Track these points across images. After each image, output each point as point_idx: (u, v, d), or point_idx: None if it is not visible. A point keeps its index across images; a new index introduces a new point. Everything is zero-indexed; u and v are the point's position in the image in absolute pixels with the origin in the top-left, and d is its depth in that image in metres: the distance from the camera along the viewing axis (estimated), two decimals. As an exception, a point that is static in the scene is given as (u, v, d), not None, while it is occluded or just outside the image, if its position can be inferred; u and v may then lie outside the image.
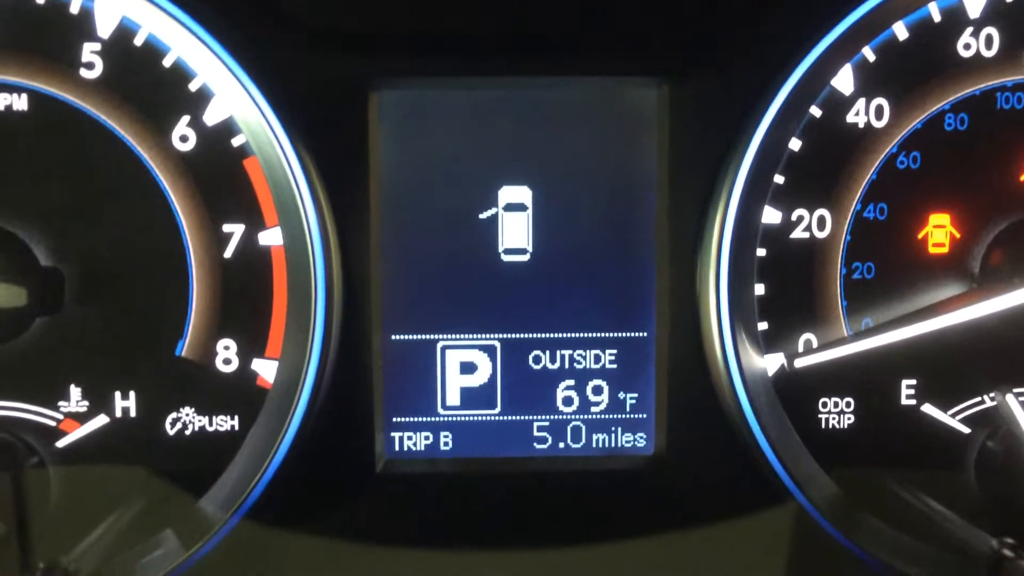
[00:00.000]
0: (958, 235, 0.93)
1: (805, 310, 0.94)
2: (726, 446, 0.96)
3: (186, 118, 0.89)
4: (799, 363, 0.94)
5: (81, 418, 0.91)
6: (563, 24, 0.94)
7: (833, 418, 0.96)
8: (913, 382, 0.95)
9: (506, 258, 0.95)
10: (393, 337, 0.93)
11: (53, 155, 0.91)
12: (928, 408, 0.94)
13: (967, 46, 0.91)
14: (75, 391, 0.90)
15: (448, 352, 0.94)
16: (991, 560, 0.87)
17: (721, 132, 0.92)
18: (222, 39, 0.88)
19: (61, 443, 0.90)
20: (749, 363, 0.93)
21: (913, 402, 0.95)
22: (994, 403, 0.94)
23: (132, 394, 0.92)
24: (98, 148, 0.91)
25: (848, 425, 0.95)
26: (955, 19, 0.92)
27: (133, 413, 0.92)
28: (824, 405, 0.95)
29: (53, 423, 0.91)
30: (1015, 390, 0.94)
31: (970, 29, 0.92)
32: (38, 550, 0.89)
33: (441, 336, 0.94)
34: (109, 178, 0.91)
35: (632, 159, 0.94)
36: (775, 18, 0.91)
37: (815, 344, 0.94)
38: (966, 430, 0.94)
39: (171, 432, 0.91)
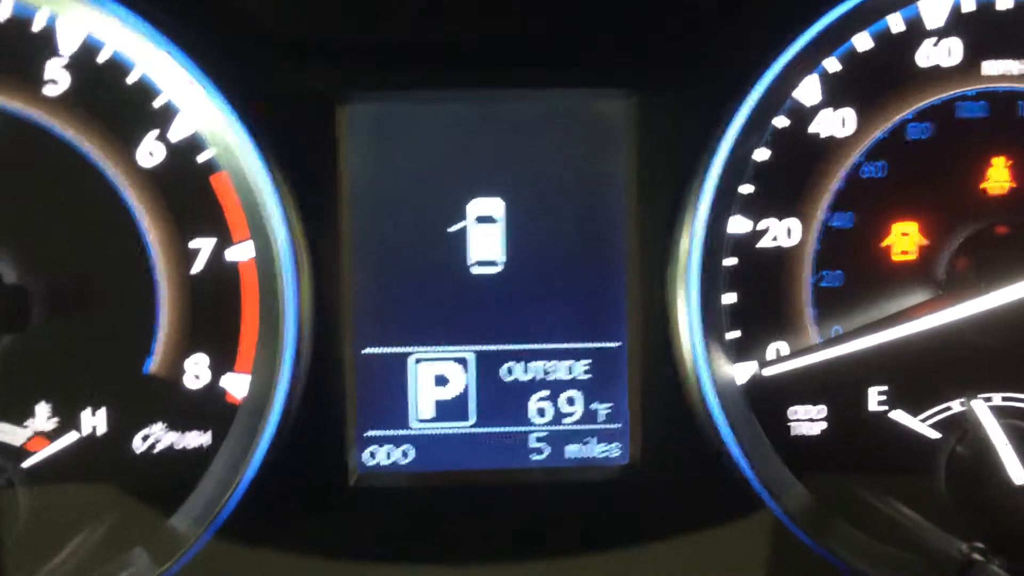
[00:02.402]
0: (924, 242, 0.95)
1: (775, 318, 0.95)
2: (700, 455, 0.97)
3: (152, 134, 0.90)
4: (769, 371, 0.95)
5: (49, 436, 0.91)
6: (530, 37, 0.94)
7: (804, 425, 0.97)
8: (883, 388, 0.96)
9: (477, 270, 0.95)
10: (365, 351, 0.93)
11: (16, 172, 0.91)
12: (898, 414, 0.96)
13: (928, 56, 0.93)
14: (42, 409, 0.90)
15: (421, 365, 0.94)
16: (961, 564, 0.87)
17: (688, 143, 0.93)
18: (187, 53, 0.88)
19: (29, 462, 0.90)
20: (720, 372, 0.94)
21: (883, 408, 0.97)
22: (963, 408, 0.94)
23: (100, 411, 0.92)
24: (62, 165, 0.91)
25: (819, 432, 0.97)
26: (915, 30, 0.94)
27: (102, 430, 0.92)
28: (795, 413, 0.97)
29: (20, 442, 0.90)
30: (983, 395, 0.94)
31: (930, 40, 0.93)
32: (8, 570, 0.86)
33: (413, 349, 0.94)
34: (74, 194, 0.91)
35: (602, 170, 0.95)
36: (739, 30, 0.92)
37: (785, 352, 0.94)
38: (936, 435, 0.96)
39: (141, 449, 0.92)
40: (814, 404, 0.98)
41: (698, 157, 0.92)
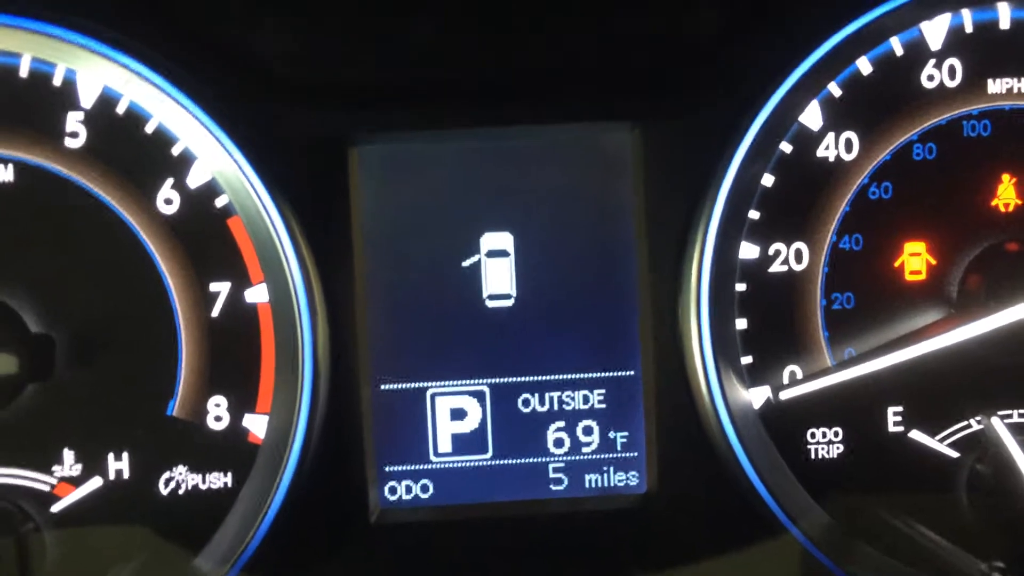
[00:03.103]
0: (934, 262, 0.96)
1: (788, 342, 0.96)
2: (717, 481, 0.98)
3: (170, 181, 0.92)
4: (784, 395, 0.96)
5: (75, 481, 0.92)
6: (535, 74, 0.97)
7: (822, 448, 0.98)
8: (899, 409, 0.97)
9: (490, 304, 0.96)
10: (382, 387, 0.95)
11: (40, 223, 0.94)
12: (916, 434, 0.97)
13: (930, 77, 0.95)
14: (68, 455, 0.92)
15: (438, 399, 0.96)
16: None
17: (694, 171, 0.94)
18: (201, 102, 0.91)
19: (56, 507, 0.91)
20: (735, 397, 0.95)
21: (900, 429, 0.97)
22: (980, 427, 0.95)
23: (125, 455, 0.94)
24: (84, 215, 0.94)
25: (837, 455, 0.97)
26: (917, 52, 0.96)
27: (127, 474, 0.94)
28: (812, 436, 0.98)
29: (47, 488, 0.92)
30: (1000, 413, 0.94)
31: (932, 61, 0.95)
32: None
33: (430, 384, 0.96)
34: (96, 243, 0.94)
35: (610, 201, 0.97)
36: (741, 58, 0.94)
37: (800, 376, 0.96)
38: (955, 454, 0.97)
39: (165, 491, 0.93)
40: (830, 427, 0.99)
41: (705, 185, 0.93)
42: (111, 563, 0.95)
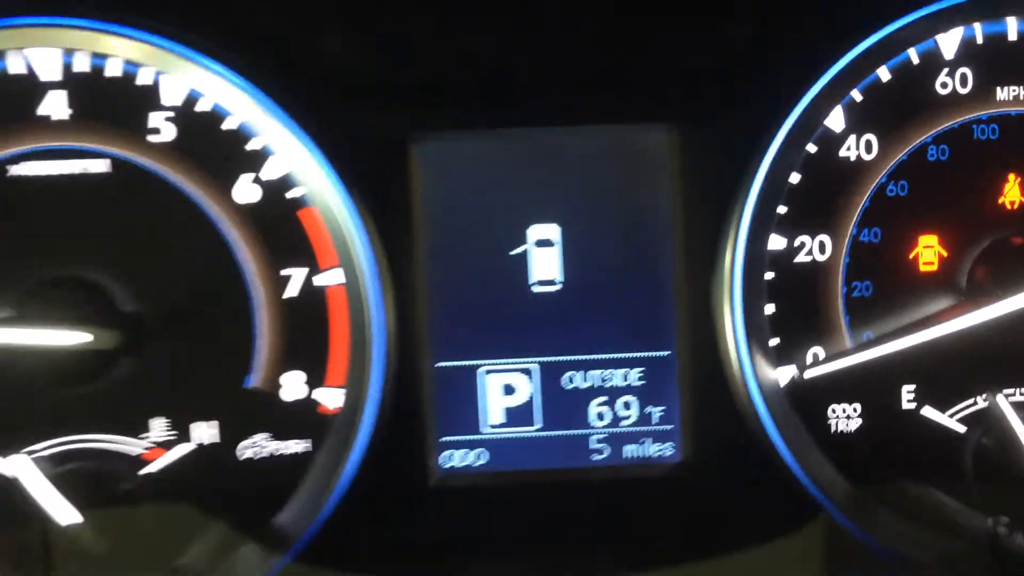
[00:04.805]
0: (945, 254, 1.03)
1: (812, 326, 1.05)
2: (747, 451, 1.06)
3: (248, 175, 1.00)
4: (808, 374, 1.04)
5: (164, 447, 0.99)
6: (578, 78, 1.04)
7: (842, 422, 1.06)
8: (912, 387, 1.05)
9: (537, 289, 1.04)
10: (439, 364, 1.03)
11: (130, 212, 1.03)
12: (927, 410, 1.05)
13: (944, 84, 1.03)
14: (157, 423, 1.00)
15: (489, 376, 1.04)
16: (989, 538, 0.96)
17: (728, 170, 1.02)
18: (279, 103, 0.98)
19: (146, 471, 0.99)
20: (764, 375, 1.03)
21: (913, 405, 1.05)
22: (986, 404, 1.03)
23: (208, 424, 1.02)
24: (169, 205, 1.02)
25: (856, 428, 1.06)
26: (932, 61, 1.03)
27: (211, 441, 1.02)
28: (833, 411, 1.06)
29: (138, 453, 1.00)
30: (1005, 391, 1.02)
31: (946, 69, 1.03)
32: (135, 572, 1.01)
33: (483, 361, 1.05)
34: (179, 231, 1.02)
35: (649, 196, 1.04)
36: (772, 67, 1.01)
37: (822, 356, 1.03)
38: (962, 429, 1.04)
39: (245, 457, 1.01)
40: (850, 402, 1.07)
41: (738, 183, 1.01)
42: (196, 525, 1.00)
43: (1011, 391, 1.05)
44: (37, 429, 1.01)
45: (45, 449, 1.03)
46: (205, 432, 1.00)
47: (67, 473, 1.00)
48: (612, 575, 1.06)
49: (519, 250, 1.05)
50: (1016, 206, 1.03)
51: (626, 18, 1.06)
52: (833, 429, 1.08)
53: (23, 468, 0.95)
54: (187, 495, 1.02)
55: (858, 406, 1.08)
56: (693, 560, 1.05)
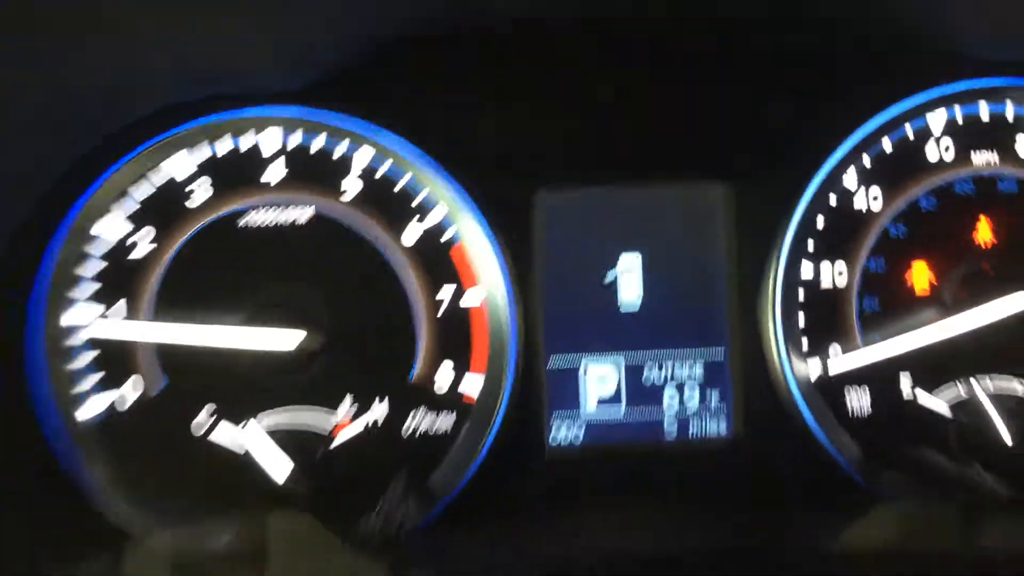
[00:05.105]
0: (935, 279, 1.23)
1: (834, 333, 1.24)
2: (786, 429, 1.22)
3: (414, 222, 1.23)
4: (832, 369, 1.23)
5: (349, 422, 1.20)
6: (653, 147, 1.23)
7: (856, 405, 1.23)
8: (909, 377, 1.22)
9: (624, 309, 1.24)
10: (552, 364, 1.24)
11: (325, 250, 1.22)
12: (920, 394, 1.22)
13: (932, 152, 1.24)
14: (344, 404, 1.21)
15: (588, 372, 1.24)
16: (968, 479, 1.13)
17: (770, 216, 1.23)
18: (440, 168, 1.21)
19: (336, 441, 1.20)
20: (798, 370, 1.23)
21: (910, 390, 1.22)
22: (966, 387, 1.21)
23: (382, 405, 1.21)
24: (354, 245, 1.22)
25: (867, 409, 1.23)
26: (923, 135, 1.25)
27: (383, 418, 1.21)
28: (850, 396, 1.23)
29: (327, 430, 1.20)
30: (979, 376, 1.21)
31: (933, 140, 1.24)
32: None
33: (583, 361, 1.24)
34: (361, 264, 1.22)
35: (710, 235, 1.24)
36: (805, 137, 1.22)
37: (841, 355, 1.22)
38: (948, 407, 1.21)
39: (407, 433, 1.21)
40: (862, 389, 1.23)
41: (778, 225, 1.21)
42: (371, 484, 1.16)
43: (984, 376, 1.21)
44: (261, 405, 1.20)
45: (265, 420, 1.20)
46: (379, 411, 1.21)
47: (280, 439, 1.17)
48: (682, 526, 1.14)
49: (610, 278, 1.24)
50: (988, 244, 1.23)
51: (695, 105, 1.22)
52: (850, 410, 1.23)
53: (253, 432, 1.17)
54: (364, 460, 1.19)
55: (868, 391, 1.23)
56: (742, 513, 1.16)
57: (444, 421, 1.22)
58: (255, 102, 1.18)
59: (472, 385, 1.23)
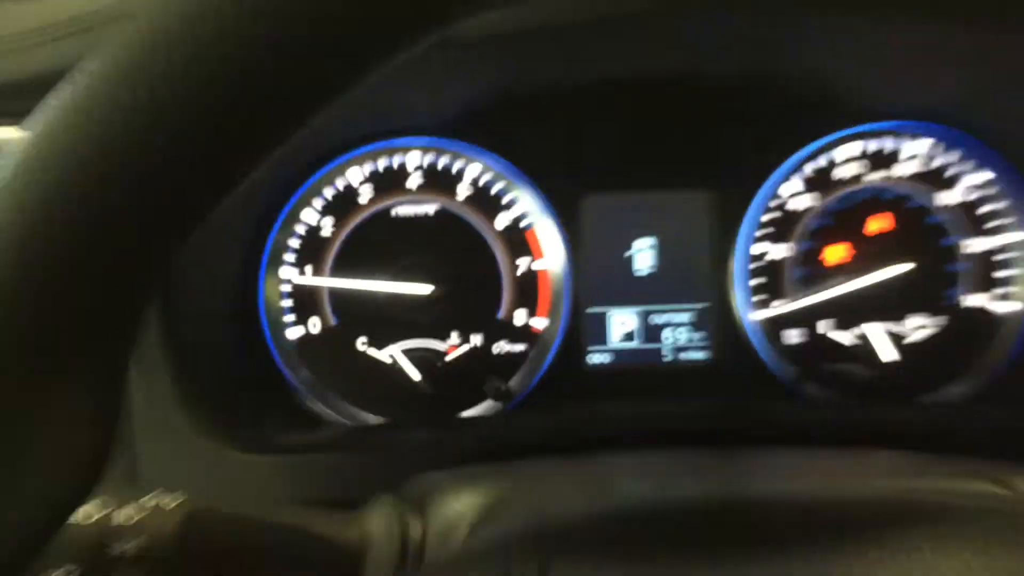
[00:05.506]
0: (844, 257, 1.52)
1: (776, 292, 1.54)
2: (744, 357, 1.51)
3: (503, 213, 1.53)
4: (774, 313, 1.52)
5: (456, 347, 1.53)
6: (668, 168, 1.51)
7: (794, 339, 1.54)
8: (830, 319, 1.51)
9: (639, 273, 1.55)
10: (590, 309, 1.55)
11: (444, 232, 1.52)
12: (834, 332, 1.51)
13: (843, 172, 1.53)
14: (453, 336, 1.54)
15: (614, 316, 1.56)
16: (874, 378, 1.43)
17: (736, 213, 1.51)
18: (524, 178, 1.50)
19: (448, 358, 1.52)
20: (752, 317, 1.52)
21: (829, 329, 1.51)
22: (860, 332, 1.49)
23: (477, 336, 1.55)
24: (462, 229, 1.53)
25: (801, 341, 1.53)
26: (835, 161, 1.53)
27: (480, 344, 1.54)
28: (789, 333, 1.53)
29: (444, 349, 1.52)
30: (875, 322, 1.49)
31: (843, 164, 1.51)
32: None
33: (610, 309, 1.55)
34: (467, 242, 1.53)
35: (698, 225, 1.53)
36: (758, 159, 1.49)
37: (782, 304, 1.51)
38: (853, 340, 1.49)
39: (495, 354, 1.54)
40: (798, 328, 1.53)
41: (741, 220, 1.51)
42: (468, 388, 1.50)
43: (881, 322, 1.49)
44: (400, 335, 1.52)
45: (403, 344, 1.51)
46: (476, 339, 1.53)
47: (412, 357, 1.50)
48: (677, 406, 1.37)
49: (631, 253, 1.54)
50: (875, 232, 1.50)
51: (692, 138, 1.49)
52: (789, 342, 1.53)
53: (396, 352, 1.52)
54: (467, 371, 1.51)
55: (804, 330, 1.53)
56: (716, 404, 1.35)
57: (519, 347, 1.55)
58: (406, 134, 1.49)
59: (538, 324, 1.53)
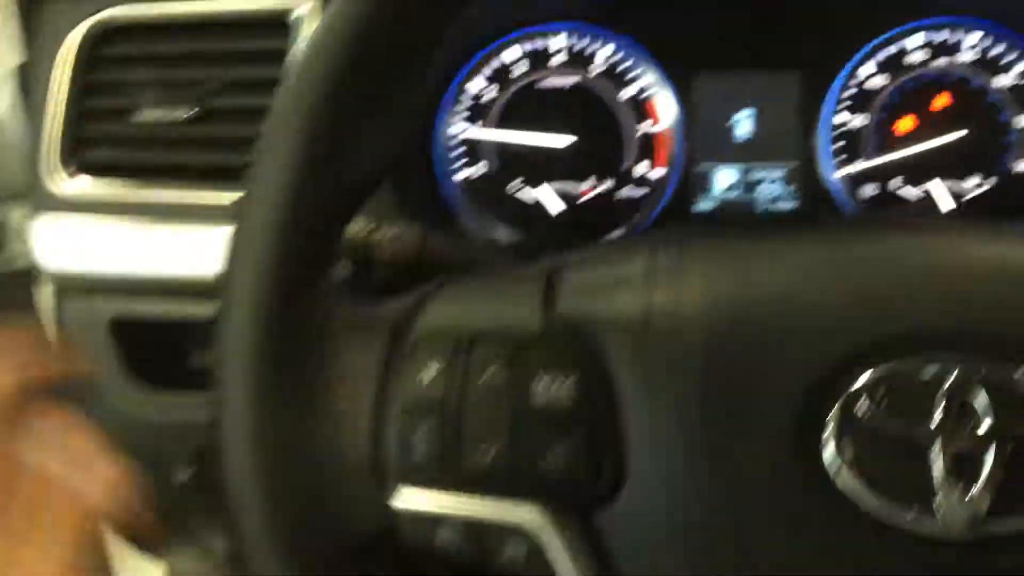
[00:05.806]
0: (912, 127, 1.56)
1: (855, 152, 1.56)
2: (830, 207, 1.58)
3: (632, 86, 1.56)
4: (852, 172, 1.57)
5: (591, 189, 1.56)
6: (767, 50, 1.55)
7: (870, 192, 1.60)
8: (901, 175, 1.56)
9: (738, 141, 1.57)
10: (699, 167, 1.58)
11: (580, 98, 1.60)
12: (904, 187, 1.54)
13: (913, 57, 1.52)
14: (590, 179, 1.60)
15: (719, 173, 1.63)
16: None
17: (823, 87, 1.57)
18: (650, 58, 1.53)
19: (584, 198, 1.57)
20: (834, 175, 1.54)
21: (902, 184, 1.56)
22: (930, 184, 1.51)
23: (607, 183, 1.62)
24: (594, 98, 1.60)
25: (879, 195, 1.61)
26: (906, 49, 1.54)
27: (611, 188, 1.60)
28: (867, 187, 1.59)
29: (580, 191, 1.56)
30: (933, 176, 1.50)
31: (913, 51, 1.50)
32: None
33: (717, 166, 1.59)
34: (600, 107, 1.59)
35: (789, 98, 1.60)
36: (837, 40, 1.50)
37: (859, 164, 1.49)
38: (923, 194, 1.55)
39: (622, 196, 1.60)
40: (873, 184, 1.60)
41: (827, 92, 1.55)
42: (602, 217, 1.57)
43: (936, 179, 1.53)
44: (547, 177, 1.63)
45: (549, 185, 1.62)
46: (607, 184, 1.61)
47: (557, 192, 1.58)
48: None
49: (734, 120, 1.59)
50: (941, 107, 1.54)
51: (786, 25, 1.51)
52: (864, 196, 1.63)
53: (544, 189, 1.59)
54: (598, 206, 1.61)
55: (877, 185, 1.64)
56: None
57: (641, 191, 1.63)
58: (558, 19, 1.60)
59: (656, 174, 1.59)
